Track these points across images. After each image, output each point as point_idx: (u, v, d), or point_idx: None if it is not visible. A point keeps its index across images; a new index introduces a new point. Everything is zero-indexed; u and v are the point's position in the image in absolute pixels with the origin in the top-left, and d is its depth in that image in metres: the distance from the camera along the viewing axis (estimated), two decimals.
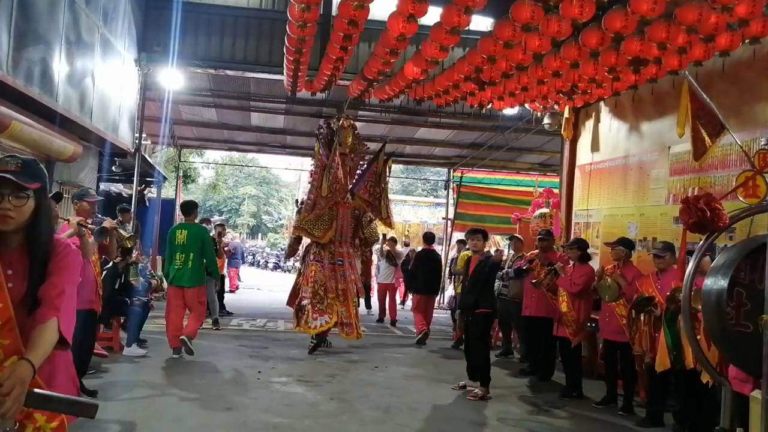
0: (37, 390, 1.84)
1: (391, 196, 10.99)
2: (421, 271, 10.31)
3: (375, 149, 9.71)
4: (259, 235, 44.64)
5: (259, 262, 30.73)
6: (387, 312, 12.20)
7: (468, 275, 6.91)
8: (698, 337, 3.42)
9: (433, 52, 6.66)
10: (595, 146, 9.12)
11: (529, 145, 14.25)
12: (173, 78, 10.53)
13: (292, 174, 34.94)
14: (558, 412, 6.16)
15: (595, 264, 7.30)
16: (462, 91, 8.23)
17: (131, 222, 9.26)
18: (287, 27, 6.95)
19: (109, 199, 10.19)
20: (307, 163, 14.17)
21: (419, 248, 12.14)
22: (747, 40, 5.49)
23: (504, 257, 8.71)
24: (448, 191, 17.31)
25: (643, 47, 5.76)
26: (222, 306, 11.18)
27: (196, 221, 8.29)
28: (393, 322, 11.91)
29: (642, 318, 5.74)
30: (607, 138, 8.81)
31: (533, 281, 7.50)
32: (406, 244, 15.51)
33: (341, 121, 8.95)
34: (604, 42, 5.77)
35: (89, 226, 4.69)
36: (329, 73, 8.29)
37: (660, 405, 5.79)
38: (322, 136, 8.90)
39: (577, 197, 9.49)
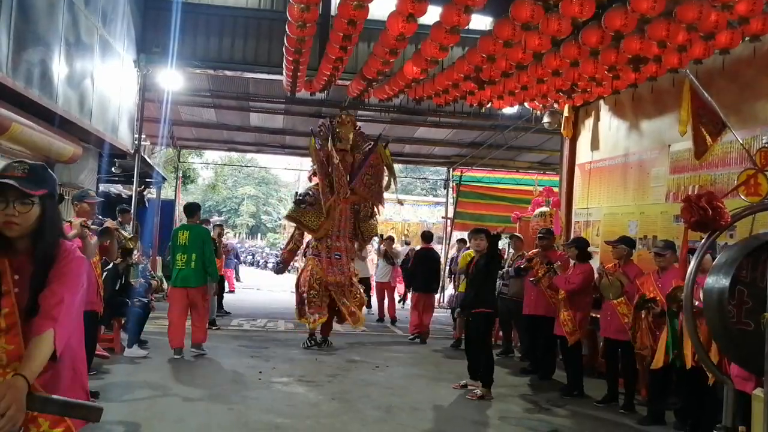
0: (38, 393, 1.83)
1: (389, 196, 11.01)
2: (420, 269, 10.35)
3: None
4: (259, 235, 44.67)
5: (258, 262, 30.74)
6: (386, 311, 12.23)
7: (469, 274, 6.92)
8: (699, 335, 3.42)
9: (432, 52, 6.66)
10: (594, 145, 9.12)
11: (528, 144, 14.26)
12: (172, 79, 10.52)
13: (292, 174, 34.96)
14: (559, 410, 6.16)
15: (595, 263, 7.30)
16: (461, 91, 8.23)
17: (131, 223, 9.26)
18: (286, 27, 6.95)
19: (108, 200, 10.18)
20: (307, 163, 14.18)
21: (418, 247, 12.16)
22: (747, 38, 5.49)
23: (504, 256, 8.72)
24: (447, 190, 17.32)
25: (643, 45, 5.77)
26: (220, 306, 11.19)
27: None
28: (393, 321, 11.96)
29: (644, 316, 5.74)
30: (607, 136, 8.81)
31: (531, 279, 7.53)
32: (407, 243, 15.52)
33: (341, 117, 8.99)
34: (604, 40, 5.77)
35: (92, 227, 4.69)
36: (328, 73, 8.30)
37: (661, 403, 5.79)
38: (321, 132, 8.95)
39: (577, 196, 9.50)
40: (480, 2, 5.53)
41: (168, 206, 16.01)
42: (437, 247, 13.85)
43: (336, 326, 9.45)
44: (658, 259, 5.87)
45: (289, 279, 15.53)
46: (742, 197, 3.26)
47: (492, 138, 13.61)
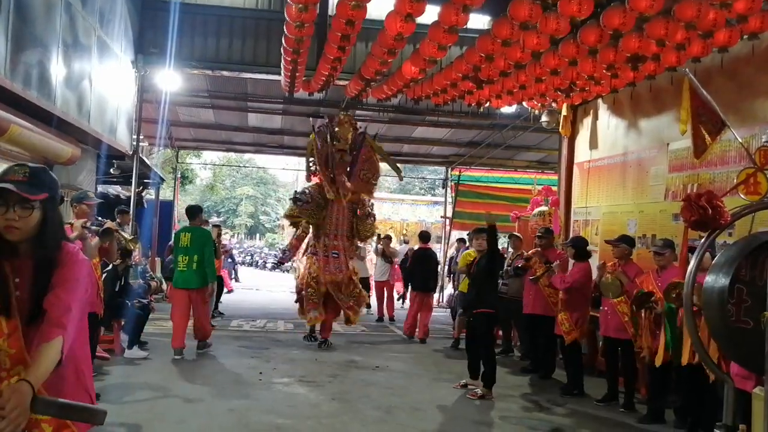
0: (41, 396, 1.83)
1: (388, 195, 11.03)
2: (418, 269, 10.38)
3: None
4: (257, 235, 44.64)
5: (257, 262, 30.71)
6: (385, 310, 12.24)
7: (470, 274, 6.92)
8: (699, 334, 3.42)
9: (431, 51, 6.66)
10: (593, 143, 9.12)
11: (527, 143, 14.27)
12: (170, 79, 10.51)
13: (290, 174, 34.85)
14: (559, 409, 6.17)
15: (594, 261, 7.30)
16: (460, 90, 8.23)
17: (130, 224, 9.25)
18: (284, 27, 6.94)
19: (107, 201, 10.17)
20: (305, 163, 14.17)
21: (416, 247, 12.17)
22: (745, 36, 5.49)
23: (504, 256, 8.72)
24: (446, 190, 17.31)
25: (642, 44, 5.77)
26: (215, 306, 11.16)
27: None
28: (391, 319, 11.98)
29: (644, 315, 5.74)
30: (606, 135, 8.81)
31: (530, 277, 7.55)
32: (405, 242, 15.53)
33: (339, 117, 9.03)
34: (602, 39, 5.77)
35: (91, 228, 4.69)
36: (327, 73, 8.29)
37: (661, 401, 5.79)
38: (320, 131, 8.99)
39: (576, 195, 9.50)
40: (478, 1, 5.52)
41: (166, 207, 15.99)
42: (435, 247, 13.86)
43: (336, 326, 9.46)
44: (657, 257, 5.88)
45: (288, 279, 15.52)
46: (742, 196, 3.25)
47: (490, 137, 13.62)
